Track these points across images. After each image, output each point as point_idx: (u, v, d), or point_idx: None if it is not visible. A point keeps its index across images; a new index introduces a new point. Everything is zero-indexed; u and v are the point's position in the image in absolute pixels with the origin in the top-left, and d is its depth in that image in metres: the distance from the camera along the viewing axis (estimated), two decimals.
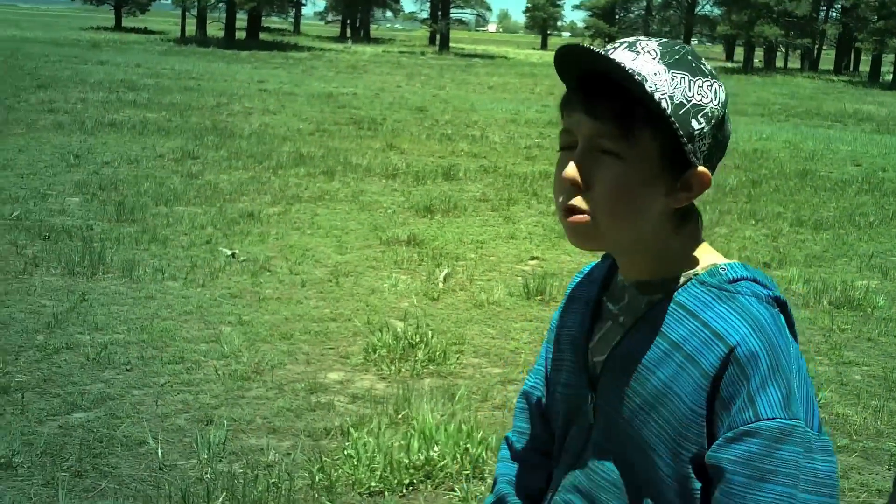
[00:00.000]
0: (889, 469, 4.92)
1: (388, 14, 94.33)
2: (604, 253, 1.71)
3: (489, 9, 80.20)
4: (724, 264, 1.54)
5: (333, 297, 7.40)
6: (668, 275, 1.56)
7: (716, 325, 1.46)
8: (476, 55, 59.39)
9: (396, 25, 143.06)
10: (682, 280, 1.54)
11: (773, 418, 1.40)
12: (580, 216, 1.48)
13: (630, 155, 1.47)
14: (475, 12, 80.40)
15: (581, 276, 1.80)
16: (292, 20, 78.68)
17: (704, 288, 1.51)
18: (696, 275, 1.53)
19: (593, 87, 1.48)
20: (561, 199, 1.51)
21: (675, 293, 1.53)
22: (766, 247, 10.19)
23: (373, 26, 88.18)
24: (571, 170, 1.48)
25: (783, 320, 1.48)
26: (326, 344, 6.36)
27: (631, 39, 1.53)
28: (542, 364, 1.89)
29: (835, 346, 6.88)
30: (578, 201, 1.48)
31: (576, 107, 1.50)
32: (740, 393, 1.42)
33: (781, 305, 1.50)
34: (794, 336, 1.50)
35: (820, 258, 9.82)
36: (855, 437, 5.30)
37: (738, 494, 1.42)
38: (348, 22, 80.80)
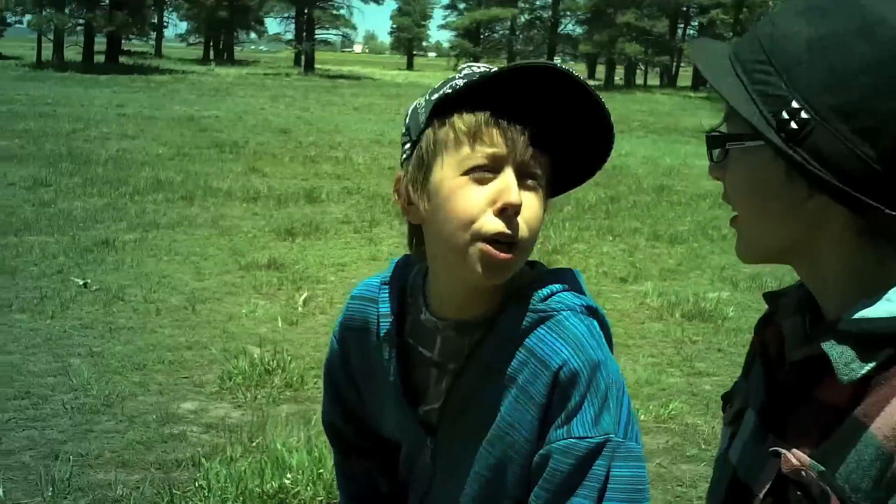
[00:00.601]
0: None
1: (252, 36, 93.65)
2: (387, 279, 1.64)
3: (355, 29, 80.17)
4: (536, 284, 1.53)
5: (189, 325, 7.27)
6: (488, 309, 1.53)
7: (541, 352, 1.47)
8: (342, 76, 59.26)
9: (261, 47, 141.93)
10: (497, 309, 1.53)
11: (584, 437, 1.44)
12: (512, 254, 1.42)
13: (542, 184, 1.47)
14: (341, 33, 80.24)
15: (363, 303, 1.69)
16: (153, 43, 77.21)
17: (520, 310, 1.51)
18: (505, 299, 1.53)
19: (522, 112, 1.42)
20: (503, 230, 1.40)
21: (496, 322, 1.52)
22: (623, 262, 10.40)
23: (237, 48, 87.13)
24: (518, 196, 1.40)
25: (598, 327, 1.51)
26: (181, 373, 6.24)
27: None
28: (334, 391, 1.84)
29: (686, 358, 7.06)
30: (518, 232, 1.41)
31: (515, 130, 1.40)
32: (560, 414, 1.46)
33: (593, 313, 1.52)
34: (610, 342, 1.53)
35: (674, 272, 10.07)
36: (704, 447, 5.43)
37: None
38: (211, 44, 79.81)
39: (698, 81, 69.00)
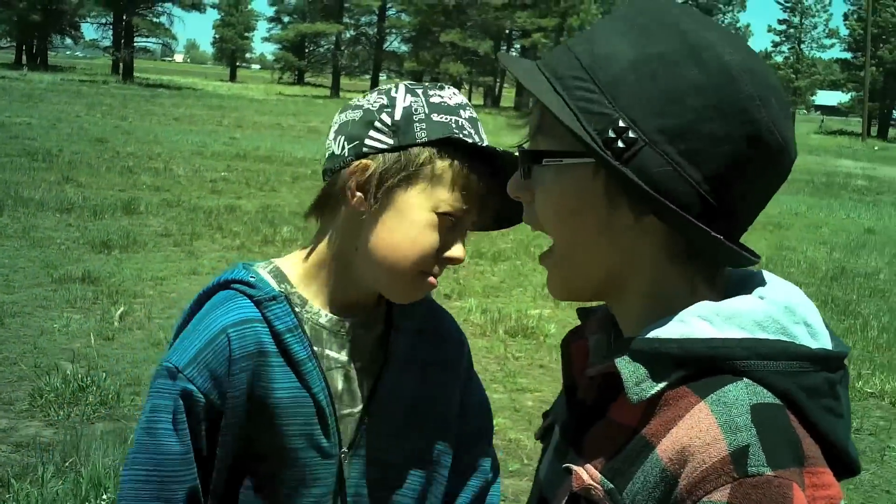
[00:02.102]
0: None
1: (68, 41, 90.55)
2: (272, 293, 1.56)
3: (175, 38, 78.58)
4: None
5: None
6: (379, 301, 1.66)
7: (446, 329, 1.76)
8: (162, 85, 57.86)
9: (77, 53, 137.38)
10: (383, 302, 1.66)
11: (483, 390, 1.88)
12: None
13: None
14: (161, 41, 78.46)
15: (246, 327, 1.53)
16: None
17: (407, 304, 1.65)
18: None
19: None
20: (438, 273, 1.57)
21: (394, 318, 1.65)
22: (448, 279, 10.44)
23: (51, 53, 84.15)
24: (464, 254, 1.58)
25: None
26: None
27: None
28: (188, 448, 1.51)
29: (509, 374, 7.15)
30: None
31: (492, 203, 1.56)
32: (466, 378, 1.80)
33: None
34: None
35: (497, 289, 10.23)
36: (526, 462, 5.51)
37: (482, 458, 1.84)
38: (24, 48, 76.74)
39: (521, 103, 70.53)
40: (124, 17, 71.09)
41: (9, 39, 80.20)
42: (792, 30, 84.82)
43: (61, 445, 5.10)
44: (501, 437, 5.83)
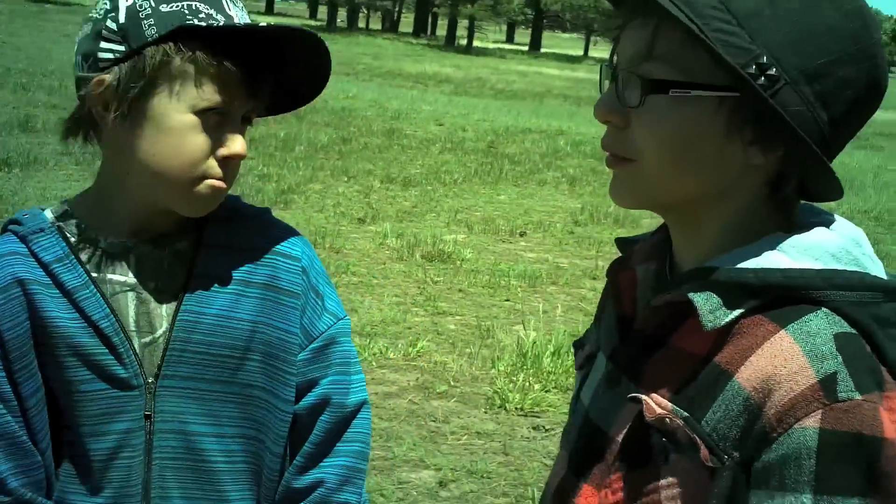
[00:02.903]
0: (486, 412, 5.17)
1: None
2: (38, 226, 1.46)
3: None
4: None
5: None
6: (182, 219, 1.51)
7: (282, 247, 1.56)
8: (49, 1, 55.95)
9: None
10: (194, 221, 1.52)
11: (345, 317, 1.61)
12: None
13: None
14: None
15: (4, 262, 1.44)
16: None
17: (227, 217, 1.53)
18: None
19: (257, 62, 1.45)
20: (223, 173, 1.45)
21: (204, 235, 1.51)
22: (360, 203, 10.39)
23: None
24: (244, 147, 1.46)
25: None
26: None
27: None
28: None
29: (430, 298, 7.14)
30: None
31: (257, 85, 1.45)
32: (315, 303, 1.57)
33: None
34: None
35: (410, 213, 10.17)
36: (453, 384, 5.52)
37: (338, 392, 1.57)
38: None
39: (419, 28, 70.06)
40: None
41: None
42: None
43: None
44: (426, 360, 5.83)
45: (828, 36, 1.06)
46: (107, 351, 1.43)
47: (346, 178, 11.76)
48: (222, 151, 1.41)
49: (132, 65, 1.37)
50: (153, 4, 1.38)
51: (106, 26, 1.39)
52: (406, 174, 12.39)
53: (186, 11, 1.37)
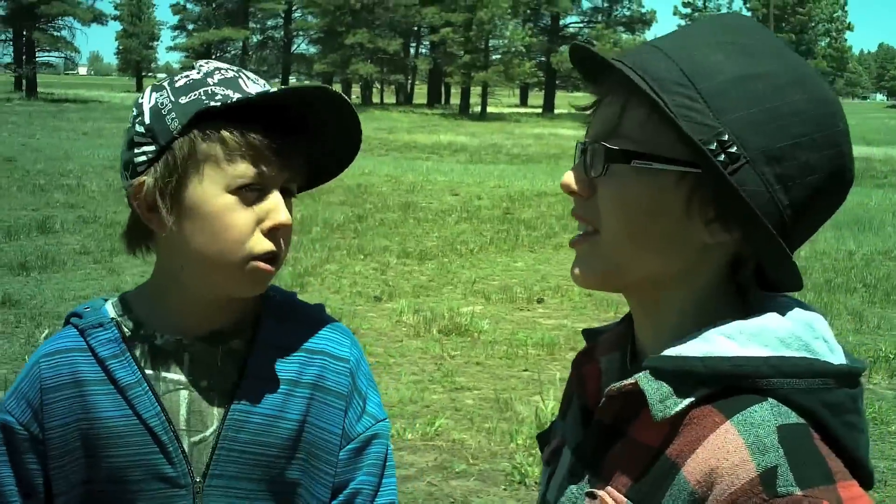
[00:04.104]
0: (506, 489, 5.11)
1: None
2: (98, 321, 1.49)
3: (78, 51, 76.86)
4: (271, 291, 1.58)
5: None
6: (238, 318, 1.54)
7: (331, 348, 1.57)
8: (68, 100, 56.76)
9: None
10: (250, 319, 1.54)
11: (385, 419, 1.61)
12: (276, 266, 1.47)
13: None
14: (63, 55, 76.78)
15: (64, 356, 1.49)
16: None
17: (281, 317, 1.55)
18: (255, 310, 1.55)
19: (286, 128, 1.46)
20: (272, 248, 1.44)
21: (258, 334, 1.53)
22: (376, 280, 10.42)
23: None
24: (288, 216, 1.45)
25: None
26: None
27: None
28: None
29: (447, 373, 7.11)
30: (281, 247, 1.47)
31: (286, 153, 1.44)
32: (358, 404, 1.57)
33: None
34: None
35: (427, 287, 10.18)
36: (472, 462, 5.47)
37: (367, 493, 1.56)
38: None
39: (433, 98, 70.70)
40: (24, 33, 69.60)
41: None
42: (696, 13, 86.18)
43: None
44: (444, 439, 5.79)
45: (792, 119, 1.07)
46: (157, 449, 1.45)
47: (362, 257, 11.80)
48: (266, 224, 1.42)
49: (164, 161, 1.40)
50: (173, 99, 1.41)
51: (136, 132, 1.43)
52: (422, 247, 12.43)
53: (204, 97, 1.40)
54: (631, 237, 1.14)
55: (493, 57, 68.67)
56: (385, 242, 12.81)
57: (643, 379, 1.09)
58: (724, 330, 1.09)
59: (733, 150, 1.06)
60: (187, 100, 1.40)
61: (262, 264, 1.42)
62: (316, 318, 1.61)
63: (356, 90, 75.56)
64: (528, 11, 75.53)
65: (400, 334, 8.22)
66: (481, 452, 5.61)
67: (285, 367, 1.52)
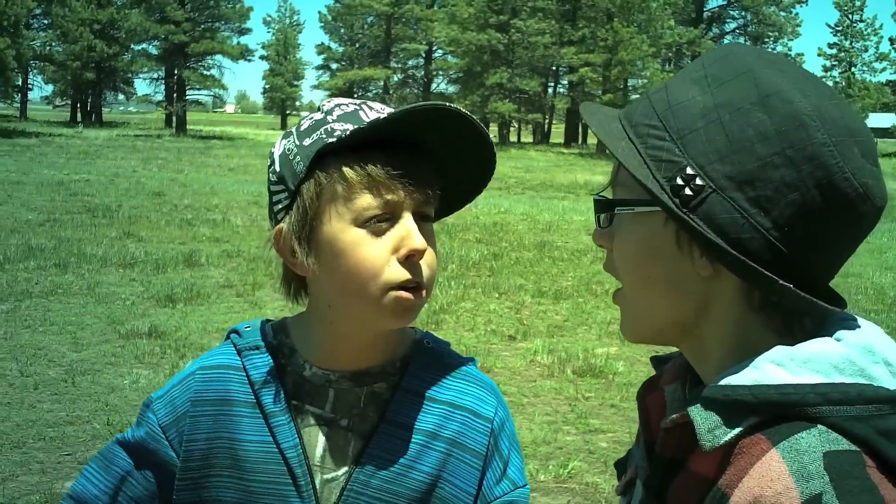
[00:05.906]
0: None
1: (121, 97, 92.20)
2: (255, 343, 1.53)
3: (226, 89, 79.49)
4: (427, 339, 1.58)
5: (70, 398, 6.96)
6: (386, 360, 1.53)
7: (470, 403, 1.53)
8: (215, 137, 58.66)
9: (130, 108, 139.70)
10: (398, 364, 1.53)
11: (524, 485, 1.56)
12: (421, 295, 1.43)
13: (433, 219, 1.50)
14: (212, 93, 79.54)
15: (220, 372, 1.54)
16: (18, 105, 75.38)
17: (427, 364, 1.54)
18: (405, 355, 1.54)
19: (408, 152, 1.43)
20: (410, 277, 1.40)
21: (403, 380, 1.52)
22: (511, 319, 10.42)
23: (105, 110, 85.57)
24: (422, 241, 1.41)
25: None
26: (63, 450, 5.95)
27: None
28: (115, 481, 1.56)
29: (581, 415, 7.05)
30: (423, 274, 1.43)
31: (409, 177, 1.40)
32: (499, 464, 1.53)
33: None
34: None
35: (562, 328, 10.13)
36: None
37: None
38: (78, 106, 78.17)
39: (570, 137, 70.58)
40: (175, 72, 72.32)
41: (64, 98, 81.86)
42: (843, 53, 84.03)
43: None
44: (578, 481, 5.74)
45: (757, 141, 1.06)
46: (289, 481, 1.45)
47: (497, 295, 11.82)
48: (401, 252, 1.39)
49: (297, 206, 1.42)
50: (297, 142, 1.44)
51: (271, 181, 1.47)
52: (557, 287, 12.38)
53: (323, 135, 1.41)
54: (643, 284, 1.18)
55: (633, 97, 68.21)
56: (520, 281, 12.80)
57: (693, 410, 1.09)
58: (774, 356, 1.09)
59: (698, 181, 1.07)
60: (310, 141, 1.42)
61: (402, 293, 1.40)
62: (465, 371, 1.57)
63: (494, 129, 76.00)
64: (671, 54, 74.87)
65: (534, 374, 8.20)
66: (615, 497, 5.51)
67: (426, 418, 1.50)
